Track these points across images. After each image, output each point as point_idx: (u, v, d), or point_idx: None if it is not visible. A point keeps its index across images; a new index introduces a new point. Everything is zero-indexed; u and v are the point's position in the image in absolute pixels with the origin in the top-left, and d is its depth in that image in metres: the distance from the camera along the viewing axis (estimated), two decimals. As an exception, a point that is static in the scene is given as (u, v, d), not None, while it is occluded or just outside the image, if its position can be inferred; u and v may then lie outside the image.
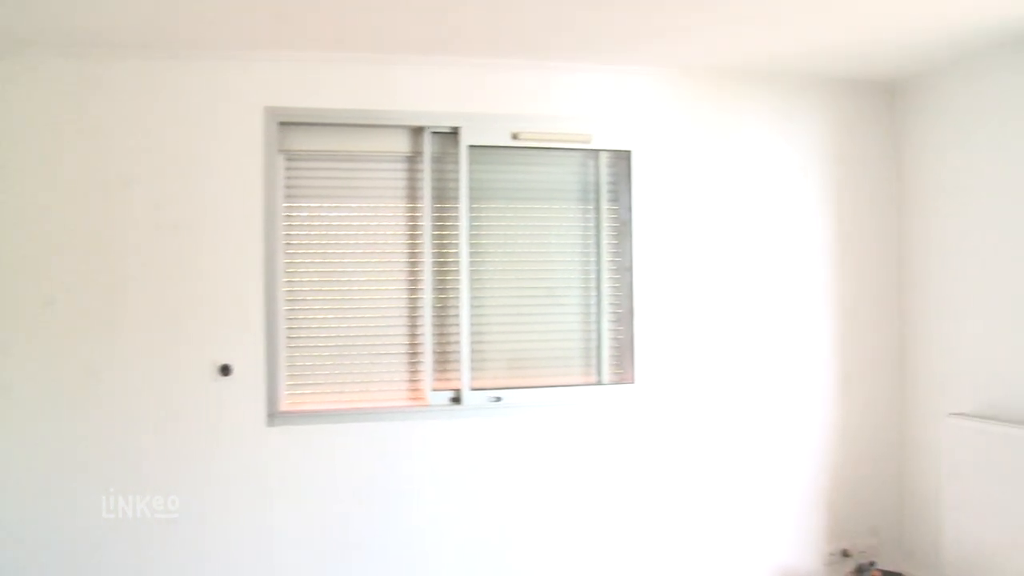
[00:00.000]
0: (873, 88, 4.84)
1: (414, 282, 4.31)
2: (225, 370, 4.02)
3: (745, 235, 4.65)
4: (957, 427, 4.33)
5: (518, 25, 3.76)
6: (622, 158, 4.51)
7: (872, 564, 4.69)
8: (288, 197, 4.18)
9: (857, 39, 4.05)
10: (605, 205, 4.52)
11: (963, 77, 4.42)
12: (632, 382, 4.49)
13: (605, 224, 4.52)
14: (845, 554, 4.75)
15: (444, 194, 4.33)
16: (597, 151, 4.50)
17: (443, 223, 4.33)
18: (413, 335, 4.32)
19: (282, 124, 4.13)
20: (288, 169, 4.19)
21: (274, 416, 4.09)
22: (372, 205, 4.28)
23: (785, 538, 4.72)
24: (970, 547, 4.23)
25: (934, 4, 3.57)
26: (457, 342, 4.32)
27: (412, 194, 4.31)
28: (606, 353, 4.53)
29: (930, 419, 4.63)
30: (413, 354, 4.32)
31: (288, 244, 4.18)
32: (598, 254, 4.52)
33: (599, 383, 4.51)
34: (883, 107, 4.87)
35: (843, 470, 4.79)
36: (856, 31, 3.93)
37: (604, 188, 4.52)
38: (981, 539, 4.19)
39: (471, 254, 4.34)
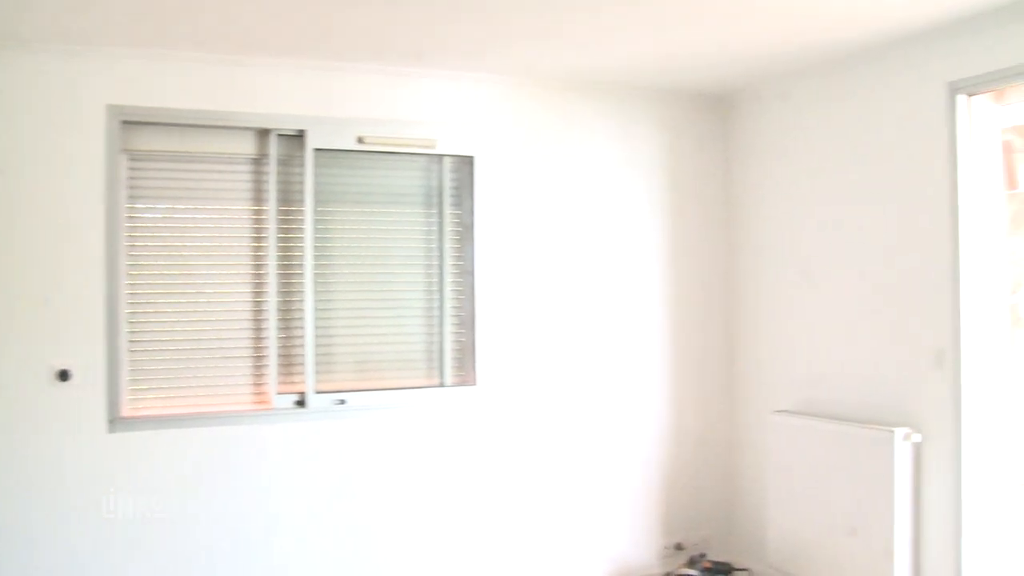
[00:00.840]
0: (707, 101, 5.13)
1: (259, 285, 4.29)
2: (63, 375, 3.88)
3: (584, 241, 4.84)
4: (781, 424, 4.63)
5: (364, 30, 3.81)
6: (465, 163, 4.62)
7: (703, 556, 4.94)
8: (131, 197, 4.10)
9: (690, 53, 4.28)
10: (448, 210, 4.63)
11: (781, 94, 4.77)
12: (474, 384, 4.61)
13: (448, 228, 4.63)
14: (679, 547, 4.98)
15: (290, 197, 4.33)
16: (441, 156, 4.59)
17: (289, 226, 4.33)
18: (258, 338, 4.30)
19: (125, 123, 4.04)
20: (132, 169, 4.10)
21: (115, 422, 3.99)
22: (218, 207, 4.25)
23: (622, 533, 4.91)
24: (793, 537, 4.52)
25: (751, 25, 3.81)
26: (302, 345, 4.33)
27: (258, 196, 4.29)
28: (448, 355, 4.63)
29: (757, 417, 4.92)
30: (258, 357, 4.30)
31: (132, 246, 4.09)
32: (441, 258, 4.61)
33: (442, 385, 4.61)
34: (716, 119, 5.16)
35: (676, 467, 5.03)
36: (688, 46, 4.16)
37: (448, 193, 4.63)
38: (802, 529, 4.48)
39: (316, 257, 4.36)
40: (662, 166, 5.02)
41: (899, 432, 3.97)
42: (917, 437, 3.97)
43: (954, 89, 3.79)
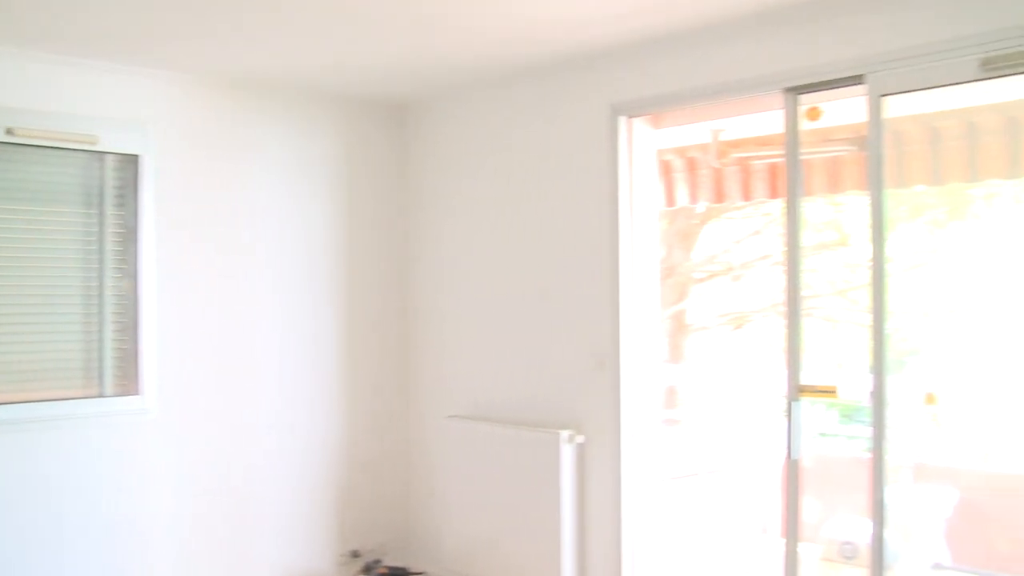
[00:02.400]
0: (387, 110, 5.21)
1: None
2: None
3: (255, 249, 4.74)
4: (454, 428, 4.79)
5: (19, 13, 3.52)
6: (131, 163, 4.36)
7: (378, 562, 4.99)
8: None
9: (368, 62, 4.33)
10: (111, 211, 4.35)
11: (459, 106, 4.96)
12: (138, 393, 4.36)
13: (110, 230, 4.34)
14: (355, 554, 5.00)
15: (-77, 190, 3.88)
16: (104, 154, 4.30)
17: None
18: None
19: None
20: None
21: None
22: None
23: (296, 543, 4.84)
24: (469, 539, 4.69)
25: (429, 37, 3.92)
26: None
27: None
28: (109, 364, 4.35)
29: (432, 422, 5.06)
30: None
31: None
32: (101, 261, 4.32)
33: (102, 395, 4.32)
34: (396, 128, 5.26)
35: (352, 474, 5.05)
36: (367, 55, 4.21)
37: (110, 193, 4.34)
38: (477, 531, 4.65)
39: (-44, 256, 3.94)
40: (339, 174, 5.04)
41: (564, 434, 4.26)
42: (581, 439, 4.30)
43: (616, 111, 4.15)
